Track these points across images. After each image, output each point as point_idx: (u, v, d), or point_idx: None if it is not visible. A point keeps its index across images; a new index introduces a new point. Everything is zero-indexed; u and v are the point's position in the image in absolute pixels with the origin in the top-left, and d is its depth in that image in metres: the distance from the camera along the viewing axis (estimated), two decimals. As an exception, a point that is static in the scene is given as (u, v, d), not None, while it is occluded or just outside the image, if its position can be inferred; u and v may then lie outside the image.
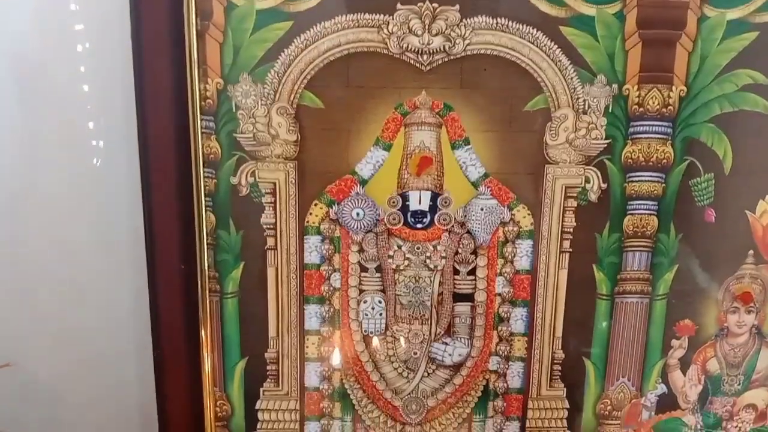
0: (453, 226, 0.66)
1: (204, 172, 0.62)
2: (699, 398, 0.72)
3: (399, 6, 0.61)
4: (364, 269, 0.67)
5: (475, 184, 0.65)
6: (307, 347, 0.69)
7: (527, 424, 0.72)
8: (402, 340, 0.67)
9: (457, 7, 0.61)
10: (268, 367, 0.69)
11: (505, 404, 0.71)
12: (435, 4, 0.61)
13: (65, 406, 0.81)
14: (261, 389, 0.69)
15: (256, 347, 0.68)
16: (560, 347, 0.70)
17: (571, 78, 0.63)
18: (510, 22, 0.61)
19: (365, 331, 0.69)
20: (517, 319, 0.69)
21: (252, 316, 0.68)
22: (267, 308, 0.67)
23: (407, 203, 0.65)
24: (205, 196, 0.63)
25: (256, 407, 0.70)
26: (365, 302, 0.68)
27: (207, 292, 0.65)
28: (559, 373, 0.70)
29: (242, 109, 0.62)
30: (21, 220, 0.74)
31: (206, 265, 0.64)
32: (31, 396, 0.77)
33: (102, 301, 0.76)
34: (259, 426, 0.70)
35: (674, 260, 0.68)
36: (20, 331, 0.75)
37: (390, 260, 0.67)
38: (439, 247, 0.67)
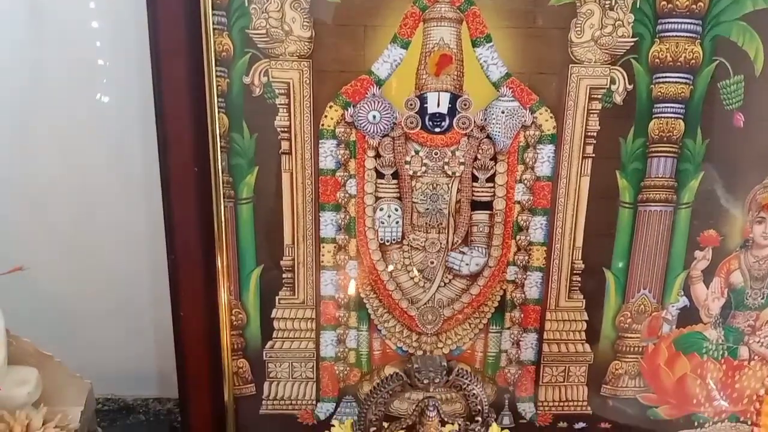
0: (472, 130, 0.64)
1: (216, 71, 0.60)
2: (721, 312, 0.71)
3: None
4: (380, 175, 0.66)
5: (496, 85, 0.63)
6: (322, 255, 0.68)
7: (544, 336, 0.71)
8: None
9: None
10: (284, 276, 0.68)
11: (522, 315, 0.70)
12: None
13: (79, 317, 0.81)
14: (276, 298, 0.69)
15: (272, 255, 0.68)
16: (580, 257, 0.68)
17: (598, -28, 0.60)
18: None
19: (381, 239, 0.68)
20: (537, 228, 0.67)
21: (267, 224, 0.67)
22: (282, 215, 0.66)
23: (425, 105, 0.63)
24: (217, 97, 0.61)
25: (272, 316, 0.69)
26: (381, 210, 0.67)
27: (221, 197, 0.64)
28: (579, 285, 0.69)
29: (255, 3, 0.60)
30: (32, 133, 0.74)
31: (220, 169, 0.63)
32: (45, 305, 0.78)
33: (114, 213, 0.76)
34: (274, 335, 0.70)
35: (700, 167, 0.66)
36: (33, 241, 0.75)
37: (407, 166, 0.65)
38: (457, 153, 0.65)
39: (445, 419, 0.53)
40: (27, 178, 0.75)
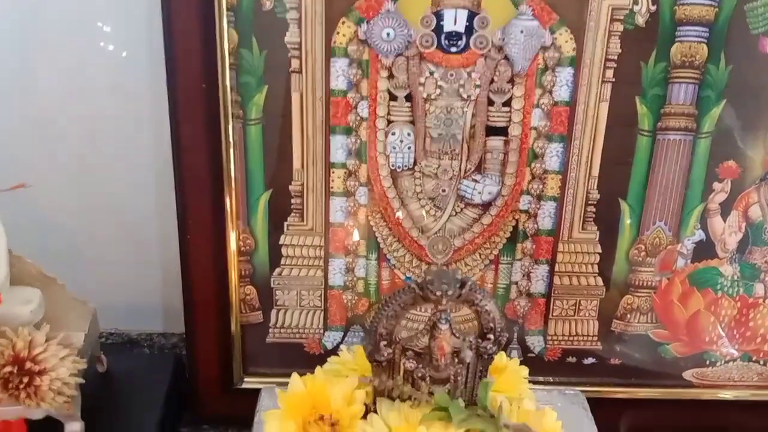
0: (490, 50, 0.62)
1: (226, -18, 0.58)
2: (738, 247, 0.69)
3: None
4: (393, 98, 0.64)
5: (515, 3, 0.60)
6: (332, 181, 0.66)
7: (556, 269, 0.70)
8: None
9: None
10: (293, 201, 0.67)
11: (534, 246, 0.69)
12: None
13: (84, 249, 0.80)
14: (285, 224, 0.67)
15: (280, 179, 0.66)
16: (596, 187, 0.67)
17: None
18: None
19: (392, 165, 0.66)
20: (553, 155, 0.66)
21: (276, 146, 0.65)
22: (291, 138, 0.64)
23: (441, 23, 0.61)
24: (227, 11, 0.59)
25: (280, 242, 0.68)
26: (393, 134, 0.65)
27: (230, 117, 0.63)
28: (593, 215, 0.68)
29: None
30: (36, 57, 0.72)
31: (228, 86, 0.61)
32: (49, 235, 0.77)
33: (121, 138, 0.74)
34: (282, 262, 0.69)
35: (722, 94, 0.64)
36: (38, 162, 0.74)
37: (421, 88, 0.63)
38: (473, 75, 0.63)
39: (457, 334, 0.52)
40: (30, 98, 0.73)
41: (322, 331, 0.71)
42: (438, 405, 0.51)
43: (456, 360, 0.53)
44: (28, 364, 0.58)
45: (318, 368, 0.58)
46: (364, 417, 0.55)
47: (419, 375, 0.52)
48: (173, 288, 0.73)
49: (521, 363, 0.61)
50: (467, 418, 0.51)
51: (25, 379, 0.57)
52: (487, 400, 0.52)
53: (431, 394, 0.52)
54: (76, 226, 0.78)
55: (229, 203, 0.65)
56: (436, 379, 0.53)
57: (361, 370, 0.59)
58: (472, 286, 0.50)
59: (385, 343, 0.52)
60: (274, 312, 0.71)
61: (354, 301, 0.71)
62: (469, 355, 0.52)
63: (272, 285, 0.70)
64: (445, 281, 0.49)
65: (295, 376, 0.57)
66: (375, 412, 0.55)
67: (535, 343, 0.72)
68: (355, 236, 0.68)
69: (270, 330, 0.71)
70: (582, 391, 0.66)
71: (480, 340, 0.53)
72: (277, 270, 0.69)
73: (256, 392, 0.63)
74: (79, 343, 0.64)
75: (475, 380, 0.54)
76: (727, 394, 0.74)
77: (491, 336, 0.53)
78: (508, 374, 0.61)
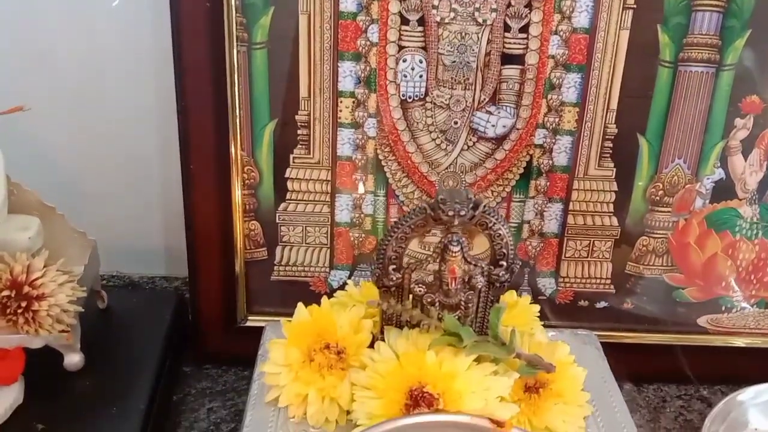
0: (506, -28, 0.60)
1: None
2: (758, 187, 0.67)
3: None
4: (405, 21, 0.61)
5: None
6: (340, 111, 0.64)
7: (570, 207, 0.67)
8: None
9: None
10: (299, 132, 0.65)
11: (548, 184, 0.67)
12: None
13: (85, 176, 0.78)
14: (291, 156, 0.65)
15: (287, 108, 0.64)
16: (614, 121, 0.64)
17: None
18: None
19: (403, 95, 0.64)
20: (570, 86, 0.63)
21: (282, 73, 0.62)
22: (298, 64, 0.62)
23: (456, -58, 0.59)
24: (232, -75, 0.57)
25: (286, 176, 0.66)
26: (404, 61, 0.62)
27: (234, 40, 0.60)
28: (610, 151, 0.65)
29: None
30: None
31: (233, 5, 0.59)
32: (49, 162, 0.75)
33: (122, 64, 0.72)
34: (288, 196, 0.67)
35: (747, 24, 0.61)
36: (37, 92, 0.71)
37: (434, 11, 0.61)
38: (488, -2, 0.60)
39: (469, 259, 0.50)
40: (29, 26, 0.70)
41: (328, 269, 0.70)
42: (448, 330, 0.49)
43: (467, 287, 0.51)
44: (26, 289, 0.56)
45: (324, 298, 0.56)
46: (371, 346, 0.54)
47: (429, 300, 0.51)
48: (177, 230, 0.71)
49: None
50: (478, 343, 0.49)
51: (24, 304, 0.56)
52: (499, 327, 0.50)
53: (441, 319, 0.50)
54: (76, 161, 0.76)
55: (233, 132, 0.63)
56: (446, 305, 0.51)
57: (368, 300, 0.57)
58: (486, 208, 0.48)
59: (394, 267, 0.50)
60: (279, 249, 0.69)
61: (361, 239, 0.69)
62: (480, 281, 0.50)
63: (277, 221, 0.68)
64: (458, 200, 0.47)
65: (300, 305, 0.55)
66: (383, 341, 0.53)
67: (547, 285, 0.70)
68: (363, 171, 0.66)
69: (275, 267, 0.69)
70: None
71: (492, 267, 0.51)
72: (283, 205, 0.67)
73: (260, 331, 0.62)
74: (79, 272, 0.62)
75: (486, 310, 0.53)
76: (739, 342, 0.72)
77: (504, 263, 0.51)
78: (519, 310, 0.59)
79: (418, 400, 0.49)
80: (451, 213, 0.47)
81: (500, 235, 0.49)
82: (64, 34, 0.71)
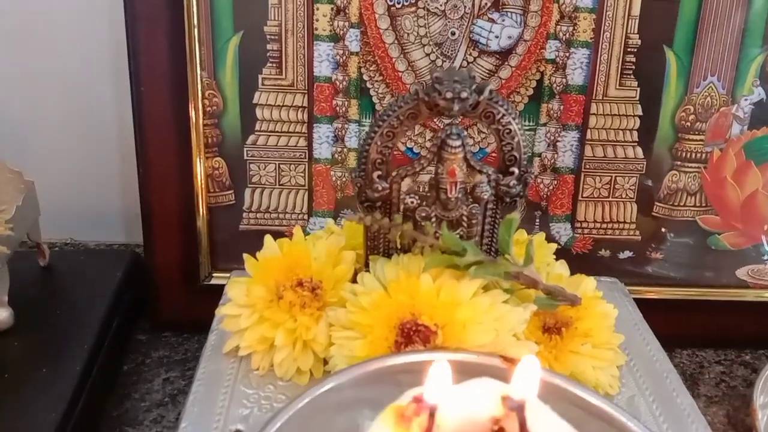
0: None
1: None
2: (805, 107, 0.58)
3: None
4: None
5: None
6: (316, 20, 0.55)
7: (588, 136, 0.58)
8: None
9: None
10: (268, 47, 0.55)
11: (562, 108, 0.57)
12: None
13: (31, 127, 0.69)
14: (259, 77, 0.56)
15: (254, 19, 0.54)
16: (636, 30, 0.55)
17: None
18: None
19: (390, 0, 0.55)
20: (585, -12, 0.54)
21: (247, -25, 0.54)
22: (266, -37, 0.53)
23: None
24: None
25: (254, 101, 0.57)
26: (391, -40, 0.54)
27: (190, -68, 0.52)
28: (633, 67, 0.56)
29: None
30: None
31: None
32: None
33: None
34: (257, 127, 0.57)
35: None
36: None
37: None
38: None
39: (472, 163, 0.40)
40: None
41: (306, 216, 0.60)
42: (447, 247, 0.40)
43: (470, 199, 0.41)
44: (-65, 221, 0.46)
45: (297, 228, 0.46)
46: (354, 281, 0.44)
47: (423, 215, 0.41)
48: (136, 191, 0.62)
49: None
50: (485, 264, 0.40)
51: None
52: (511, 245, 0.40)
53: (438, 237, 0.40)
54: (20, 108, 0.67)
55: (191, 48, 0.54)
56: (444, 219, 0.41)
57: (352, 245, 0.47)
58: (494, 95, 0.39)
59: (379, 173, 0.40)
60: (248, 192, 0.59)
61: (344, 180, 0.59)
62: (486, 191, 0.41)
63: (245, 157, 0.58)
64: (458, 80, 0.38)
65: (268, 237, 0.46)
66: (368, 273, 0.43)
67: (562, 231, 0.61)
68: (345, 94, 0.57)
69: (244, 215, 0.59)
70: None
71: (501, 176, 0.42)
72: (251, 138, 0.57)
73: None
74: (9, 213, 0.52)
75: (494, 230, 0.43)
76: (786, 298, 0.63)
77: (514, 169, 0.41)
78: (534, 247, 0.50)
79: (411, 335, 0.38)
80: (449, 95, 0.37)
81: (510, 131, 0.40)
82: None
